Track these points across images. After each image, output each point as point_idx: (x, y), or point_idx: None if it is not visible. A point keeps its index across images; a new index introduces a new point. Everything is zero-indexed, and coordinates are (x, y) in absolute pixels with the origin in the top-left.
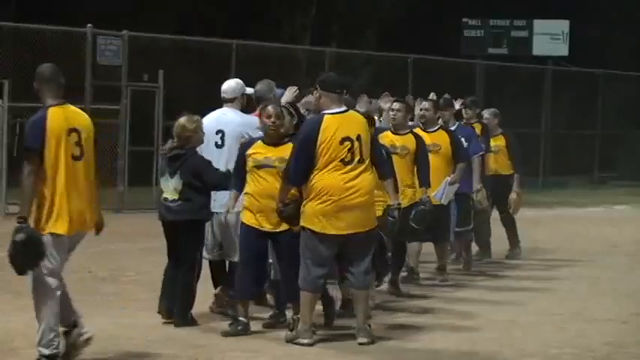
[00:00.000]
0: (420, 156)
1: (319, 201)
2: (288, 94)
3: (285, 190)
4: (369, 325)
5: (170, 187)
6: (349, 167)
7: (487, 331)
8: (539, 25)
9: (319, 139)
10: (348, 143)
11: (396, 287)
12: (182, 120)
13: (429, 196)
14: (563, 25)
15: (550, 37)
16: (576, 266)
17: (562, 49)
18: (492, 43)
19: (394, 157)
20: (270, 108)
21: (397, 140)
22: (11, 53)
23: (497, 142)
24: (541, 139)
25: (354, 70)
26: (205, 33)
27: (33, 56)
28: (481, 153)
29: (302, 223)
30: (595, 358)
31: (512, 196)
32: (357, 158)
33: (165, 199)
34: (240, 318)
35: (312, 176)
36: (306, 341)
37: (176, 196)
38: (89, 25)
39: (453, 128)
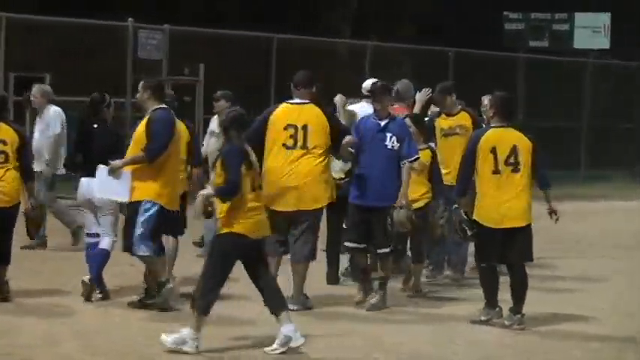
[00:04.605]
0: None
1: (266, 181)
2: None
3: None
4: (306, 295)
5: (336, 169)
6: (289, 152)
7: (528, 324)
8: (580, 18)
9: (268, 123)
10: (291, 130)
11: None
12: None
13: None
14: (604, 18)
15: (591, 31)
16: (615, 259)
17: (603, 42)
18: (533, 36)
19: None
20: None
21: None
22: (52, 47)
23: None
24: (582, 132)
25: (394, 63)
26: (243, 26)
27: (74, 50)
28: (414, 158)
29: None
30: (637, 352)
31: None
32: (299, 144)
33: (334, 178)
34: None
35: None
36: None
37: (342, 175)
38: (130, 19)
39: (385, 122)
